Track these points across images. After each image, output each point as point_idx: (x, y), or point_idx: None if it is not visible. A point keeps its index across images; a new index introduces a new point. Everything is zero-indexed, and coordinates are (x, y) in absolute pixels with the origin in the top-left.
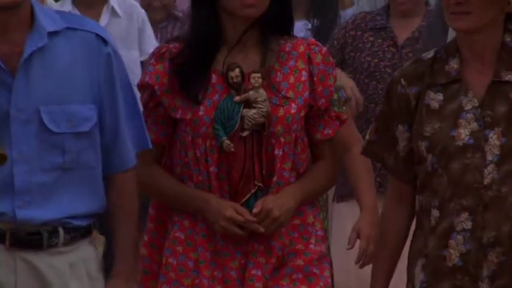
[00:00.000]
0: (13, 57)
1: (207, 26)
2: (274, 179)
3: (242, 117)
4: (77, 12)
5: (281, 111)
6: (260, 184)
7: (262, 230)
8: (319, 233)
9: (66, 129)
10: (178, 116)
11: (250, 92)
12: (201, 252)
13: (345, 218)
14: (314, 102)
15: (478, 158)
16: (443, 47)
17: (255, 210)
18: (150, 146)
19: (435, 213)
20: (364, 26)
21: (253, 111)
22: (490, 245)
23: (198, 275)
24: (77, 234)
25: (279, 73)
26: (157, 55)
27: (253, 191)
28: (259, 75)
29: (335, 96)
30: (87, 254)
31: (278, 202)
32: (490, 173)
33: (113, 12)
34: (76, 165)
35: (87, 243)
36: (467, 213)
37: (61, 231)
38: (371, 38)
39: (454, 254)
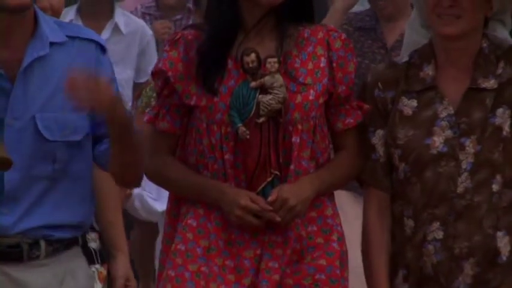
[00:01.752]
0: (13, 64)
1: (226, 12)
2: (292, 167)
3: (258, 103)
4: (79, 22)
5: (299, 98)
6: (277, 172)
7: (278, 218)
8: (340, 228)
9: (59, 138)
10: (192, 102)
11: (266, 77)
12: (213, 240)
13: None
14: (334, 90)
15: (452, 166)
16: (417, 52)
17: (270, 198)
18: None
19: (410, 222)
20: (353, 24)
21: (269, 97)
22: (463, 256)
23: (206, 262)
24: (60, 245)
25: (297, 59)
26: (171, 41)
27: (269, 179)
28: (275, 59)
29: None
30: (74, 265)
31: (294, 191)
32: (463, 182)
33: (116, 29)
34: (64, 175)
35: (73, 254)
36: (438, 223)
37: (42, 243)
38: (361, 38)
39: (428, 262)
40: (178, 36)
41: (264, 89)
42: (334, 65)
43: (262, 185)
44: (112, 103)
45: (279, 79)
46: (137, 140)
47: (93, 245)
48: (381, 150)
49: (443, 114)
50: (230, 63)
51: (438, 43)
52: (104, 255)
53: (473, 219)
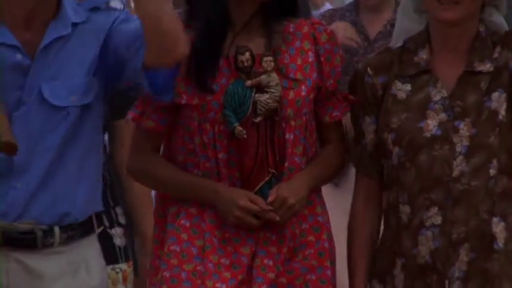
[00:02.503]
0: (34, 44)
1: (215, 10)
2: (286, 164)
3: (254, 103)
4: None
5: (291, 94)
6: (274, 171)
7: (278, 218)
8: (328, 225)
9: (69, 103)
10: (183, 101)
11: (263, 76)
12: (208, 238)
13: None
14: (322, 84)
15: (447, 149)
16: (411, 38)
17: (270, 199)
18: None
19: (406, 209)
20: (334, 20)
21: (266, 96)
22: (460, 241)
23: (202, 261)
24: (75, 232)
25: (286, 55)
26: None
27: (267, 178)
28: (271, 58)
29: None
30: (89, 254)
31: (293, 189)
32: (458, 165)
33: None
34: (74, 145)
35: (89, 243)
36: (436, 208)
37: (56, 229)
38: None
39: (424, 251)
40: None
41: (259, 88)
42: (322, 59)
43: (260, 185)
44: None
45: (275, 78)
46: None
47: (118, 241)
48: (369, 137)
49: (437, 97)
50: (221, 62)
51: (435, 28)
52: (128, 252)
53: (471, 204)
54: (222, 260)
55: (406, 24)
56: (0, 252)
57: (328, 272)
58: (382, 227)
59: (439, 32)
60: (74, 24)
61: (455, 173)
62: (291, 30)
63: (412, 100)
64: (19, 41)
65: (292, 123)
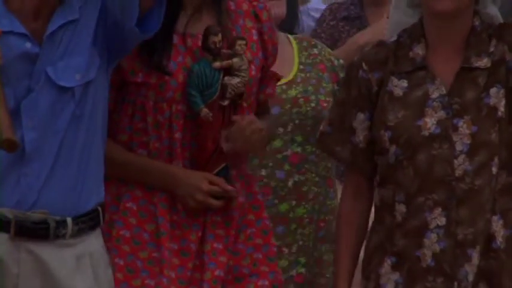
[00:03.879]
0: (42, 32)
1: None
2: None
3: (224, 85)
4: None
5: None
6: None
7: (241, 198)
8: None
9: (75, 83)
10: (139, 80)
11: (235, 59)
12: (161, 223)
13: None
14: (265, 62)
15: (446, 148)
16: (405, 31)
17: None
18: None
19: (401, 208)
20: (338, 15)
21: (237, 79)
22: (467, 242)
23: (155, 247)
24: (85, 226)
25: (234, 33)
26: None
27: (224, 164)
28: (244, 41)
29: (342, 75)
30: (94, 248)
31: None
32: (460, 164)
33: None
34: (82, 126)
35: (95, 237)
36: (440, 209)
37: (69, 221)
38: (346, 27)
39: (427, 254)
40: None
41: (227, 71)
42: (266, 37)
43: (218, 169)
44: None
45: (246, 62)
46: None
47: None
48: (361, 135)
49: (435, 94)
50: (176, 39)
51: (429, 22)
52: None
53: (475, 204)
54: (171, 245)
55: (399, 18)
56: (12, 242)
57: (275, 249)
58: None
59: (433, 26)
60: (81, 8)
61: (458, 173)
62: (233, 8)
63: (410, 97)
64: (28, 30)
65: (244, 104)
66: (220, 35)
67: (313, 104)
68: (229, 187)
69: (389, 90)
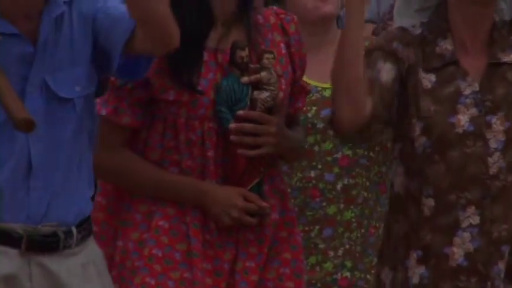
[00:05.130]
0: (35, 32)
1: (197, 4)
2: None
3: (253, 100)
4: None
5: None
6: (265, 171)
7: (275, 216)
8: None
9: (79, 93)
10: (171, 97)
11: (263, 73)
12: (194, 244)
13: None
14: (294, 76)
15: (480, 146)
16: (426, 26)
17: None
18: None
19: (429, 202)
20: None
21: (267, 94)
22: (502, 240)
23: (187, 268)
24: (86, 233)
25: (263, 47)
26: None
27: (258, 179)
28: (272, 55)
29: None
30: (95, 254)
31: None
32: (495, 162)
33: None
34: (80, 138)
35: (92, 243)
36: (473, 207)
37: (74, 230)
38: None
39: (458, 253)
40: None
41: (255, 85)
42: (293, 50)
43: (252, 185)
44: None
45: (274, 75)
46: None
47: None
48: (388, 76)
49: (468, 91)
50: (206, 55)
51: (464, 13)
52: None
53: (509, 201)
54: (204, 265)
55: (406, 23)
56: (22, 257)
57: (303, 265)
58: None
59: (467, 17)
60: (66, 3)
61: (493, 170)
62: (261, 21)
63: (440, 93)
64: (20, 31)
65: None
66: (247, 50)
67: None
68: (264, 203)
69: (420, 79)
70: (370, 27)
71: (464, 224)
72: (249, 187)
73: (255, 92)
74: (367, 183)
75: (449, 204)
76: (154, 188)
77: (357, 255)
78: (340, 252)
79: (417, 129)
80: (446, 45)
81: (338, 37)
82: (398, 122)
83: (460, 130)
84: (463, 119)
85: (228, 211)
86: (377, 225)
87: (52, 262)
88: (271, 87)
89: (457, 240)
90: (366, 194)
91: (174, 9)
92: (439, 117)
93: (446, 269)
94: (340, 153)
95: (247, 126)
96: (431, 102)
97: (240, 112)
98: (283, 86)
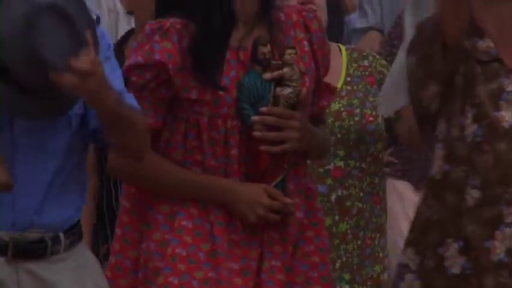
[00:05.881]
0: None
1: (220, 4)
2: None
3: (275, 97)
4: None
5: None
6: (287, 167)
7: (299, 214)
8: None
9: (71, 111)
10: (193, 96)
11: (285, 69)
12: (219, 243)
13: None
14: (316, 73)
15: None
16: None
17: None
18: None
19: (474, 193)
20: None
21: (289, 90)
22: None
23: (211, 267)
24: (74, 238)
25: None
26: (161, 31)
27: (281, 176)
28: (294, 51)
29: None
30: (87, 258)
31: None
32: None
33: None
34: (76, 149)
35: (82, 247)
36: None
37: (61, 236)
38: None
39: (499, 248)
40: (167, 26)
41: (278, 81)
42: (315, 47)
43: (276, 181)
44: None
45: (297, 71)
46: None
47: None
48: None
49: (510, 88)
50: (228, 53)
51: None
52: None
53: None
54: (231, 265)
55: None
56: (9, 264)
57: (330, 268)
58: None
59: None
60: None
61: None
62: (283, 18)
63: (485, 87)
64: None
65: None
66: (269, 46)
67: (357, 118)
68: (288, 200)
69: (473, 64)
70: (374, 35)
71: (508, 220)
72: (272, 184)
73: (278, 89)
74: (361, 194)
75: (495, 198)
76: (177, 187)
77: (355, 267)
78: (337, 265)
79: (469, 115)
80: (488, 43)
81: (335, 49)
82: (448, 103)
83: (506, 125)
84: (507, 115)
85: (253, 208)
86: (373, 236)
87: (41, 269)
88: (294, 84)
89: (499, 234)
90: (360, 205)
91: (198, 9)
92: (486, 108)
93: (488, 262)
94: (332, 164)
95: (270, 119)
96: (479, 91)
97: (263, 108)
98: (307, 84)
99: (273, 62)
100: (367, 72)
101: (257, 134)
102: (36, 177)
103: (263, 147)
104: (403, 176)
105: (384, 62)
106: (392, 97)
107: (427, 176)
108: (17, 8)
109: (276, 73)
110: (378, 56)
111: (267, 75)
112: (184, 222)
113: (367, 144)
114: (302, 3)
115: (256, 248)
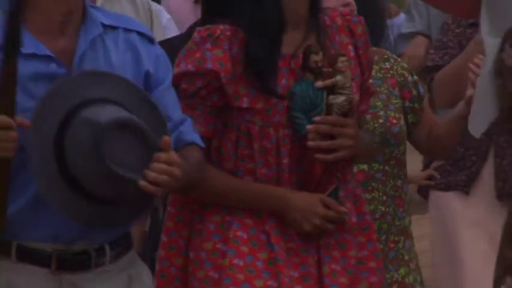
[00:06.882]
0: (69, 51)
1: (270, 8)
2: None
3: (328, 105)
4: None
5: None
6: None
7: (353, 220)
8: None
9: None
10: (244, 105)
11: (338, 77)
12: (277, 251)
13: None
14: (361, 78)
15: None
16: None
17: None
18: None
19: None
20: (463, 22)
21: (342, 98)
22: None
23: (270, 276)
24: (121, 249)
25: (332, 51)
26: (212, 39)
27: (336, 184)
28: (346, 58)
29: (414, 92)
30: (139, 269)
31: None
32: None
33: None
34: None
35: (132, 257)
36: None
37: (107, 247)
38: (475, 34)
39: None
40: (218, 33)
41: (330, 90)
42: (360, 52)
43: (330, 190)
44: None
45: (349, 79)
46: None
47: None
48: None
49: None
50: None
51: None
52: None
53: None
54: (291, 273)
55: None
56: (53, 277)
57: (384, 273)
58: None
59: None
60: (104, 25)
61: None
62: (328, 23)
63: None
64: (52, 51)
65: None
66: (321, 54)
67: (381, 120)
68: (343, 209)
69: None
70: (421, 40)
71: None
72: (327, 193)
73: (331, 97)
74: (384, 198)
75: None
76: (229, 196)
77: None
78: None
79: None
80: None
81: None
82: None
83: None
84: None
85: (308, 218)
86: (396, 239)
87: (84, 280)
88: (347, 91)
89: None
90: (383, 209)
91: (247, 14)
92: None
93: None
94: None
95: (325, 127)
96: None
97: (317, 118)
98: (354, 90)
99: (324, 69)
100: (388, 75)
101: (311, 143)
102: None
103: (318, 156)
104: (447, 188)
105: (405, 65)
106: (482, 113)
107: None
108: (83, 131)
109: (329, 81)
110: (398, 59)
111: (319, 84)
112: (239, 233)
113: (391, 146)
114: (345, 5)
115: (313, 255)
